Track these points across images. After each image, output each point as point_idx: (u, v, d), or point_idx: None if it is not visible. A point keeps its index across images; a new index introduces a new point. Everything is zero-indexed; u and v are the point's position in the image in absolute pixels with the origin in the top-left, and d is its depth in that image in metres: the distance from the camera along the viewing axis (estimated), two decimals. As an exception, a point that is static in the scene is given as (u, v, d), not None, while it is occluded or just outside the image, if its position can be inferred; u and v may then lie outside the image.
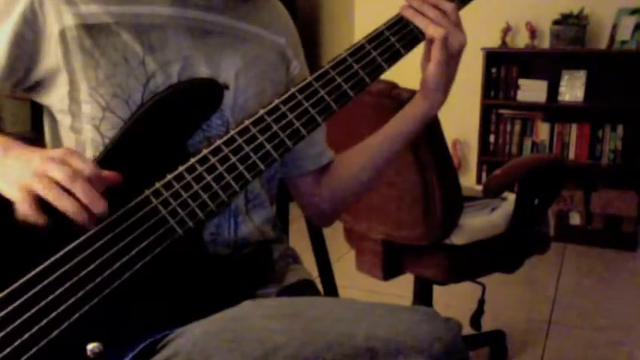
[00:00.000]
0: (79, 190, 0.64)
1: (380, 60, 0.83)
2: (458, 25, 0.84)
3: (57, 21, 0.77)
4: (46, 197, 0.64)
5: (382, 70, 0.84)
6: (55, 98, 0.80)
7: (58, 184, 0.64)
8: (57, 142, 0.84)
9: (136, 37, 0.79)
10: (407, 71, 1.76)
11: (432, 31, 0.82)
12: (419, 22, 0.84)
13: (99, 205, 0.65)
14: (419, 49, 0.88)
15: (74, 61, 0.77)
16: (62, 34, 0.77)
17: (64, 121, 0.81)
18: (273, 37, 0.94)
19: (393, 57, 0.84)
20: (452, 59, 0.84)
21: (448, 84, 0.87)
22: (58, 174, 0.64)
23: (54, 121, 0.83)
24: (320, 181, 0.99)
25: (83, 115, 0.79)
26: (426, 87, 0.87)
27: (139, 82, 0.78)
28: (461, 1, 0.87)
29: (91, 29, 0.77)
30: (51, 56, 0.78)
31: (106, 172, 0.69)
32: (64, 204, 0.64)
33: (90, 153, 0.79)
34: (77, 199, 0.64)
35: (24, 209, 0.65)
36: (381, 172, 0.95)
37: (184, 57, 0.82)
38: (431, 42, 0.84)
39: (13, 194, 0.65)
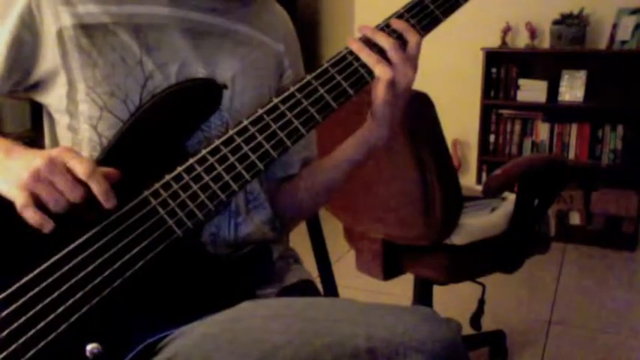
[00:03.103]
0: (78, 199, 0.65)
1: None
2: (412, 59, 0.80)
3: (54, 21, 0.77)
4: (44, 201, 0.64)
5: None
6: (54, 98, 0.80)
7: (57, 188, 0.64)
8: (55, 142, 0.84)
9: (133, 38, 0.79)
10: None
11: (379, 71, 0.79)
12: (365, 57, 0.80)
13: (110, 202, 0.67)
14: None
15: (72, 61, 0.77)
16: (59, 35, 0.77)
17: (62, 120, 0.81)
18: (271, 43, 0.93)
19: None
20: (398, 98, 0.82)
21: (394, 120, 0.85)
22: (59, 180, 0.64)
23: (52, 120, 0.83)
24: (281, 190, 0.97)
25: (80, 115, 0.79)
26: (372, 121, 0.86)
27: (137, 83, 0.78)
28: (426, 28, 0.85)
29: (88, 29, 0.77)
30: (49, 57, 0.78)
31: (105, 170, 0.69)
32: (62, 209, 0.65)
33: (86, 152, 0.79)
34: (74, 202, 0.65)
35: (26, 212, 0.64)
36: (326, 195, 0.95)
37: (182, 58, 0.82)
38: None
39: (13, 194, 0.65)
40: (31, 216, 0.64)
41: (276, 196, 0.96)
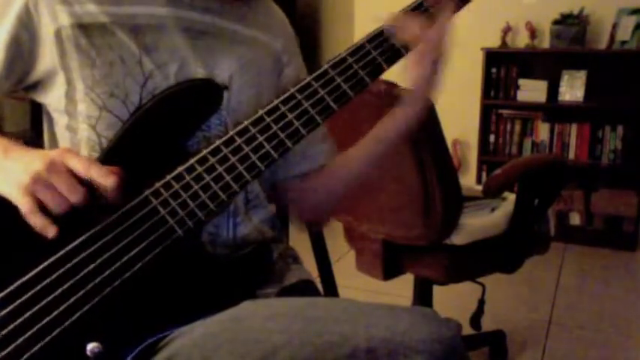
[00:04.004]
0: (79, 198, 0.65)
1: (380, 60, 0.83)
2: (442, 32, 0.83)
3: (52, 21, 0.77)
4: (45, 202, 0.65)
5: (382, 70, 0.83)
6: (53, 98, 0.80)
7: (58, 191, 0.64)
8: (54, 141, 0.84)
9: (132, 37, 0.79)
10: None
11: (413, 43, 0.82)
12: (407, 32, 0.82)
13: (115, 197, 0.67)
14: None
15: (70, 61, 0.77)
16: (58, 34, 0.77)
17: (61, 120, 0.81)
18: (269, 41, 0.93)
19: (393, 57, 0.84)
20: (434, 68, 0.84)
21: (431, 93, 0.86)
22: (60, 181, 0.64)
23: (51, 120, 0.83)
24: (314, 183, 0.97)
25: (79, 115, 0.79)
26: (408, 95, 0.87)
27: (136, 83, 0.78)
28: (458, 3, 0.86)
29: (86, 29, 0.77)
30: (47, 56, 0.78)
31: (107, 168, 0.69)
32: (63, 210, 0.65)
33: (85, 152, 0.79)
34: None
35: (30, 216, 0.65)
36: (366, 174, 0.95)
37: (180, 58, 0.82)
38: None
39: (17, 198, 0.65)
40: (35, 221, 0.65)
41: (311, 190, 0.97)
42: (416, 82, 0.85)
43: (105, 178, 0.66)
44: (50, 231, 0.66)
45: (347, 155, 0.95)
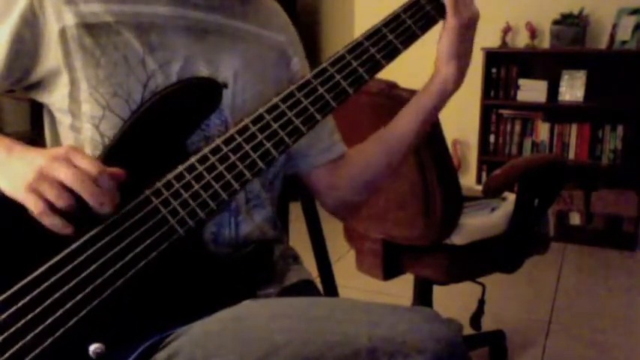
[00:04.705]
0: (86, 191, 0.65)
1: (378, 57, 0.83)
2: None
3: (57, 20, 0.77)
4: (51, 199, 0.64)
5: (380, 67, 0.83)
6: (56, 97, 0.80)
7: (63, 185, 0.64)
8: (56, 142, 0.84)
9: (136, 37, 0.79)
10: (406, 71, 1.76)
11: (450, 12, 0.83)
12: None
13: (106, 205, 0.67)
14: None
15: (74, 60, 0.77)
16: (62, 34, 0.77)
17: (64, 120, 0.81)
18: (272, 36, 0.94)
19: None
20: (463, 28, 0.84)
21: (461, 59, 0.86)
22: (65, 176, 0.64)
23: (53, 120, 0.83)
24: (336, 174, 0.98)
25: (83, 115, 0.79)
26: (439, 60, 0.87)
27: (139, 82, 0.78)
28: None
29: (91, 28, 0.77)
30: (51, 56, 0.78)
31: (111, 169, 0.69)
32: (69, 206, 0.65)
33: (89, 152, 0.78)
34: (83, 199, 0.65)
35: (43, 218, 0.65)
36: (398, 154, 0.94)
37: (184, 57, 0.82)
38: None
39: (24, 199, 0.65)
40: (49, 222, 0.65)
41: (334, 181, 0.97)
42: (441, 42, 0.85)
43: (107, 181, 0.66)
44: (66, 230, 0.66)
45: (375, 141, 0.95)
